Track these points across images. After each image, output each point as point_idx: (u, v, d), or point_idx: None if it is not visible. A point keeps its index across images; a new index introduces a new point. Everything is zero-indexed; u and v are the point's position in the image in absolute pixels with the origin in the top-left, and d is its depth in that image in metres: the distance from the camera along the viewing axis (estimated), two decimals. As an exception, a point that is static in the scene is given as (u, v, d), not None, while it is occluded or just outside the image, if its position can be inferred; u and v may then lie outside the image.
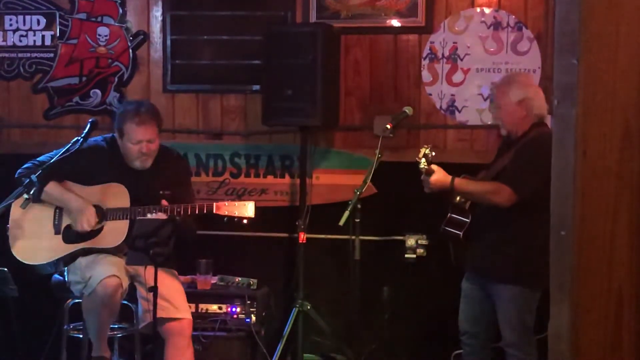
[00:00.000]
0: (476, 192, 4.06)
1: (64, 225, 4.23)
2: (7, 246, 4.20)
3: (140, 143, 4.18)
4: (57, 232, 4.22)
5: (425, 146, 4.08)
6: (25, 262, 4.17)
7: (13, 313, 4.73)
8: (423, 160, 4.03)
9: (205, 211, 4.12)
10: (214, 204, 4.13)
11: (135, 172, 4.26)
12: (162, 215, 4.02)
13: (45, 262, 4.19)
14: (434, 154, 4.05)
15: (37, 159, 4.22)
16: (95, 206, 4.19)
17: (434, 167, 4.06)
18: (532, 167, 3.88)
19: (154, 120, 4.23)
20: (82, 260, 4.16)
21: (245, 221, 4.14)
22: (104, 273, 3.98)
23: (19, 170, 4.21)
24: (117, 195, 4.18)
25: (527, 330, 4.04)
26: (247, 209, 4.12)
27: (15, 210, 4.14)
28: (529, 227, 3.94)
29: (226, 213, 4.12)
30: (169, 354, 4.13)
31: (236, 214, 4.12)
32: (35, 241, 4.20)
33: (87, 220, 4.12)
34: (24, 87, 5.42)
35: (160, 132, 4.31)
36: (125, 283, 4.10)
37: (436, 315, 4.94)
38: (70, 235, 4.20)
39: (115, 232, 4.12)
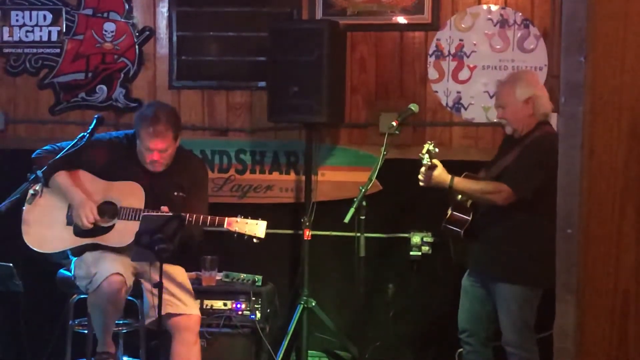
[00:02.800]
0: (476, 192, 4.06)
1: None
2: (18, 236, 4.21)
3: (151, 151, 4.17)
4: (69, 224, 4.23)
5: (429, 142, 4.06)
6: (35, 249, 4.18)
7: (21, 308, 4.74)
8: (426, 156, 4.02)
9: (216, 225, 4.09)
10: (226, 219, 4.08)
11: (151, 173, 4.25)
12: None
13: (53, 252, 4.20)
14: (437, 150, 4.03)
15: (58, 144, 4.23)
16: (110, 202, 4.20)
17: (435, 161, 4.04)
18: (535, 168, 3.88)
19: (169, 131, 4.17)
20: (88, 255, 4.16)
21: (255, 240, 4.10)
22: (109, 270, 3.98)
23: (37, 151, 4.23)
24: (134, 195, 4.17)
25: (528, 329, 4.04)
26: (258, 229, 4.07)
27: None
28: (531, 226, 3.94)
29: (237, 230, 4.08)
30: (176, 349, 4.13)
31: (247, 232, 4.08)
32: (47, 230, 4.21)
33: (85, 217, 4.11)
34: (30, 82, 5.42)
35: (177, 138, 4.26)
36: (130, 281, 4.10)
37: (441, 312, 4.94)
38: (81, 228, 4.21)
39: (125, 232, 4.10)
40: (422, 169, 4.05)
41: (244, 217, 4.11)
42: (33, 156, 4.19)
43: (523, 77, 4.21)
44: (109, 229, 4.17)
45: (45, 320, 4.87)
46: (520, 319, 4.03)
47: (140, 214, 4.08)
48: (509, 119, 4.10)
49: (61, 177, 4.19)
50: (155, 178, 4.24)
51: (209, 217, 4.10)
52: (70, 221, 4.22)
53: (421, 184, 4.10)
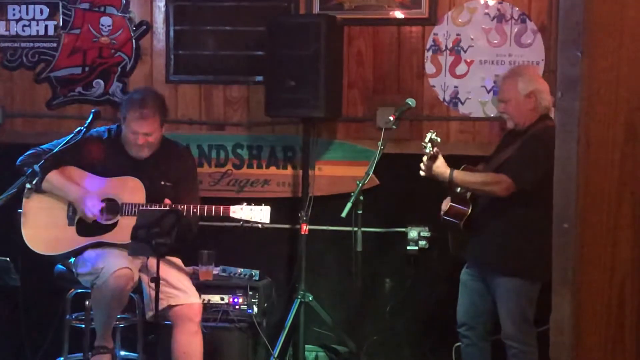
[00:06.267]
0: (475, 184, 4.06)
1: (77, 217, 4.23)
2: (17, 234, 4.20)
3: (137, 134, 4.20)
4: (70, 224, 4.22)
5: (431, 131, 4.05)
6: (39, 252, 4.18)
7: (18, 302, 4.73)
8: (429, 145, 4.00)
9: (221, 214, 4.17)
10: (230, 207, 4.17)
11: (136, 162, 4.27)
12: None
13: (58, 254, 4.19)
14: (439, 139, 4.02)
15: (40, 147, 4.23)
16: (111, 199, 4.20)
17: (437, 152, 4.03)
18: (535, 160, 3.88)
19: (156, 114, 4.24)
20: (91, 252, 4.16)
21: (260, 226, 4.19)
22: (117, 265, 3.99)
23: (20, 158, 4.22)
24: (134, 191, 4.19)
25: (527, 323, 4.05)
26: (262, 214, 4.18)
27: (27, 200, 4.15)
28: (530, 220, 3.95)
29: (242, 217, 4.16)
30: (178, 340, 4.14)
31: (252, 219, 4.17)
32: (49, 232, 4.21)
33: (89, 208, 4.12)
34: (26, 76, 5.42)
35: (163, 124, 4.32)
36: (136, 276, 4.12)
37: (438, 307, 4.94)
38: (84, 227, 4.20)
39: (130, 228, 4.08)
40: (424, 159, 4.05)
41: (247, 204, 4.20)
42: (18, 164, 4.18)
43: (524, 71, 4.23)
44: (112, 226, 4.17)
45: (42, 315, 4.86)
46: (519, 313, 4.04)
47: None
48: (511, 113, 4.11)
49: (55, 177, 4.18)
50: (142, 167, 4.26)
51: (214, 207, 4.17)
52: (71, 222, 4.22)
53: (422, 173, 4.10)
